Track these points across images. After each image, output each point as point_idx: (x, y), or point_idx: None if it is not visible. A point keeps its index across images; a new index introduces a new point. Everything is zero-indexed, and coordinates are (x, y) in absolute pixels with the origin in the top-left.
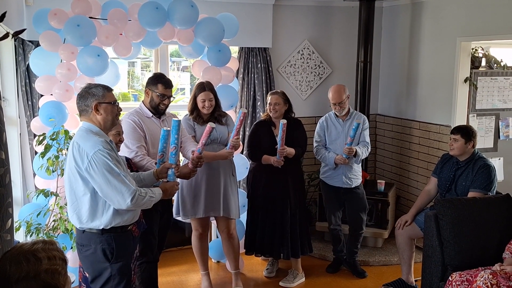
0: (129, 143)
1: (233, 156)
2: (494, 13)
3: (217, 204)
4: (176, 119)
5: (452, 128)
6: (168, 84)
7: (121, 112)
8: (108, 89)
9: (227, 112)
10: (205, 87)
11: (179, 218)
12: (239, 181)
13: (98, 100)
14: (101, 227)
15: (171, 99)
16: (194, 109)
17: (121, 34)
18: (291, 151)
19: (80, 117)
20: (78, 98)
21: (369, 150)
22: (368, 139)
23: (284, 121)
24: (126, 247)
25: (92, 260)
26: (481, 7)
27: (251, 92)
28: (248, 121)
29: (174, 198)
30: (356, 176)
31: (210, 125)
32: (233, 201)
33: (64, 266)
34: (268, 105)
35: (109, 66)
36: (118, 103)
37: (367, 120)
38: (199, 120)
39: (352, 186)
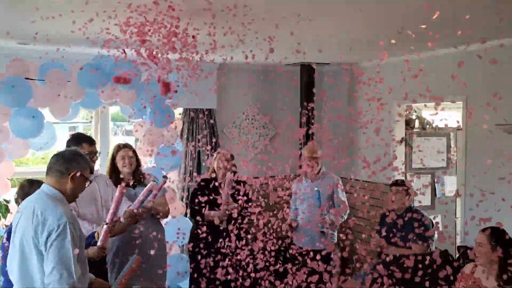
0: None
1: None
2: (425, 78)
3: None
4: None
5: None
6: (92, 141)
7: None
8: (90, 166)
9: (169, 174)
10: (122, 145)
11: None
12: (183, 245)
13: (80, 170)
14: None
15: (98, 155)
16: (113, 171)
17: (59, 95)
18: (235, 206)
19: (46, 176)
20: (61, 157)
21: (348, 210)
22: (343, 198)
23: (230, 175)
24: None
25: None
26: (412, 73)
27: (196, 153)
28: (192, 182)
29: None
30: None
31: (151, 184)
32: None
33: None
34: (217, 162)
35: (44, 127)
36: (91, 181)
37: (340, 180)
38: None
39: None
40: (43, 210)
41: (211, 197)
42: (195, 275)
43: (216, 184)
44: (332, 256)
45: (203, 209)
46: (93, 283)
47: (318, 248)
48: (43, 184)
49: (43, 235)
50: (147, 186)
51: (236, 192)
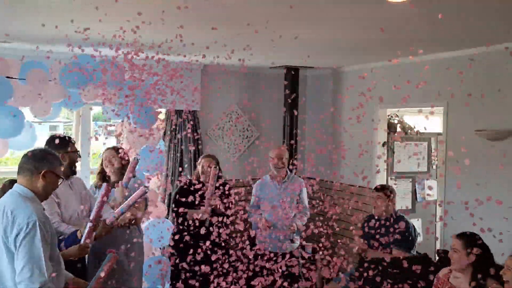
0: None
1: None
2: (406, 84)
3: None
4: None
5: (374, 188)
6: (73, 140)
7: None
8: (61, 164)
9: (152, 175)
10: (110, 147)
11: None
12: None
13: (51, 169)
14: None
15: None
16: (101, 170)
17: (40, 95)
18: (219, 203)
19: (17, 176)
20: (32, 156)
21: (308, 215)
22: (306, 203)
23: (215, 171)
24: None
25: None
26: (394, 78)
27: (178, 155)
28: (175, 184)
29: None
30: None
31: (142, 189)
32: None
33: None
34: (201, 167)
35: (24, 127)
36: (63, 179)
37: (304, 183)
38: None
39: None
40: (13, 209)
41: (194, 199)
42: (175, 277)
43: (201, 187)
44: (299, 259)
45: (186, 209)
46: (70, 282)
47: (283, 251)
48: (15, 183)
49: (12, 234)
50: (137, 191)
51: (223, 194)
